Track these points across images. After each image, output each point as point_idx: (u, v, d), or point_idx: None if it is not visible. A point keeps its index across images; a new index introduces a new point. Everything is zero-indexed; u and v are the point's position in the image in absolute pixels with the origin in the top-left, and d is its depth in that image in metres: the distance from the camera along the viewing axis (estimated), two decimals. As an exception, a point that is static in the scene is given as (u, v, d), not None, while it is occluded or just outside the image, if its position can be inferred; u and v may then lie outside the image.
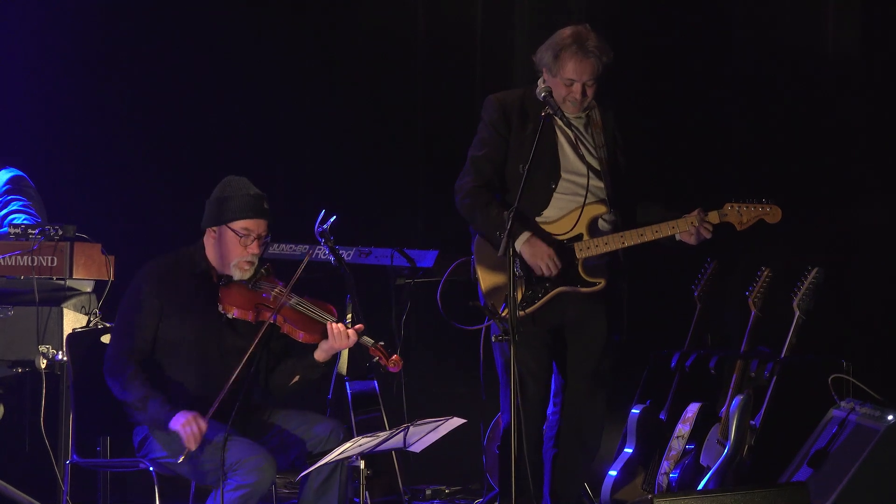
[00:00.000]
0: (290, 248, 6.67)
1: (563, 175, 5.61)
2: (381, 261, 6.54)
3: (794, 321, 6.17)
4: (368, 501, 5.73)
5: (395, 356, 5.20)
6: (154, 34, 7.63)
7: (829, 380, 5.91)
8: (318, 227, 5.63)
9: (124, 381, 5.14)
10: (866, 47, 7.19)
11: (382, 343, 5.23)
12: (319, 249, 6.48)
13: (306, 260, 5.23)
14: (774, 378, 6.15)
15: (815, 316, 6.20)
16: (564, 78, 5.52)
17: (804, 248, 6.85)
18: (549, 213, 5.60)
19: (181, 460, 5.05)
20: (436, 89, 7.81)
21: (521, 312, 5.45)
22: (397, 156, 7.80)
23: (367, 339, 5.22)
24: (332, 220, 5.60)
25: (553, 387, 5.72)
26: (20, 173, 6.59)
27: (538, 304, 5.56)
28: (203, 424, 5.02)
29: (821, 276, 6.18)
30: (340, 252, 5.88)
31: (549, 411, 5.75)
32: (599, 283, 5.59)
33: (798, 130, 7.24)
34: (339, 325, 5.20)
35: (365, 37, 7.82)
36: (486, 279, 5.61)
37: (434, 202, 7.52)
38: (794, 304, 6.17)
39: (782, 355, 6.14)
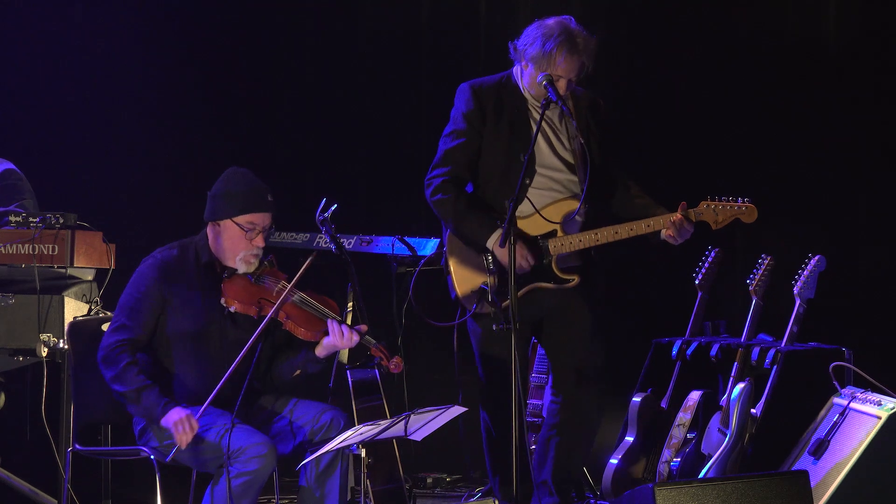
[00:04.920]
0: (292, 236, 6.67)
1: (538, 170, 5.56)
2: (382, 249, 6.54)
3: (795, 309, 6.16)
4: (369, 489, 5.73)
5: (396, 358, 5.20)
6: (156, 20, 7.62)
7: (830, 368, 5.90)
8: (320, 215, 5.63)
9: (119, 371, 5.12)
10: (868, 35, 7.18)
11: (384, 343, 5.23)
12: (320, 237, 6.49)
13: (310, 261, 5.19)
14: (776, 366, 6.15)
15: (817, 304, 6.20)
16: (553, 74, 5.46)
17: (806, 236, 6.84)
18: (524, 208, 5.54)
19: (170, 459, 5.06)
20: (438, 77, 7.79)
21: (493, 309, 5.38)
22: (398, 144, 7.78)
23: (370, 340, 5.22)
24: (333, 208, 5.59)
25: (552, 377, 5.72)
26: (10, 166, 6.54)
27: (511, 299, 5.51)
28: (195, 424, 5.02)
29: (822, 263, 6.17)
30: (341, 240, 5.87)
31: (548, 400, 5.74)
32: (573, 279, 5.57)
33: (800, 118, 7.23)
34: (343, 325, 5.19)
35: (367, 25, 7.80)
36: (458, 271, 5.60)
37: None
38: (796, 292, 6.16)
39: (783, 344, 6.14)
